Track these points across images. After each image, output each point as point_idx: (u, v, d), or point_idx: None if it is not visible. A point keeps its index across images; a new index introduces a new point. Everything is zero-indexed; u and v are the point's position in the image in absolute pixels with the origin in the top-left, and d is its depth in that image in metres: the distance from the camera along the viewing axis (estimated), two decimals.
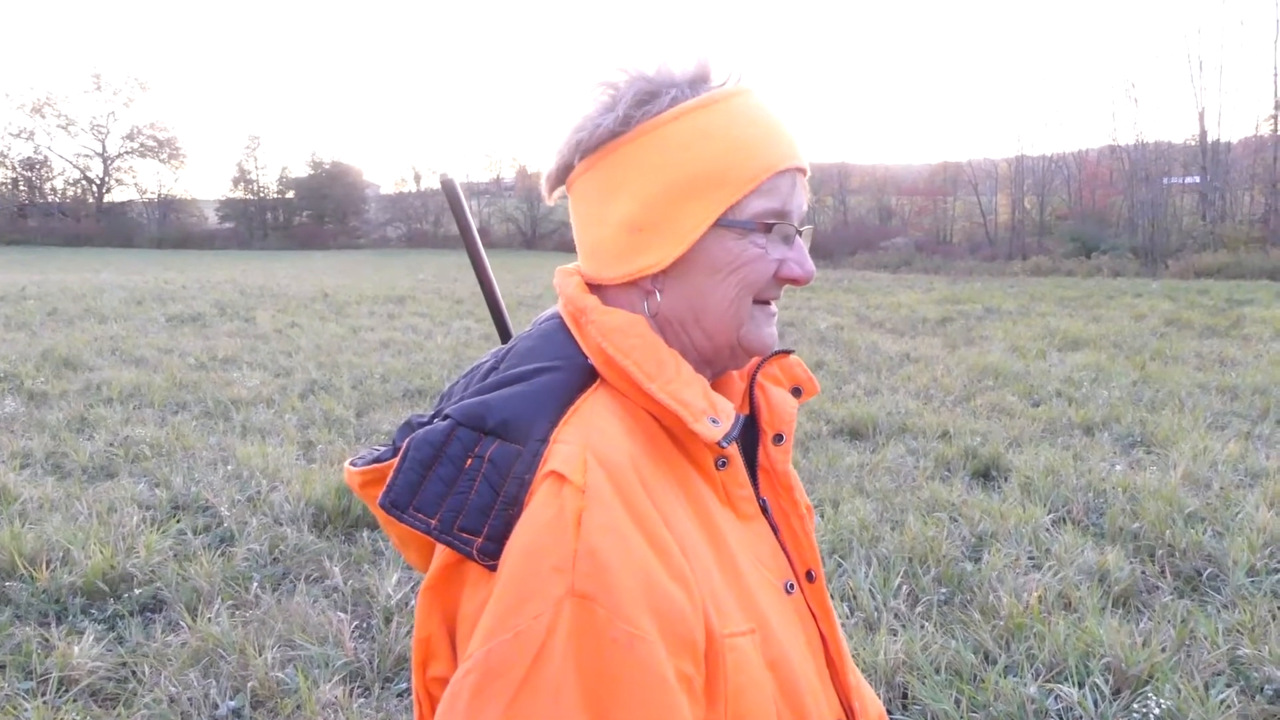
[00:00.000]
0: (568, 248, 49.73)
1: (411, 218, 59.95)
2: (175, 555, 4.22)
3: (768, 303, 0.95)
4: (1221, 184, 32.25)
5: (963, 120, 73.29)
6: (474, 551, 0.79)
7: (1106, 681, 3.16)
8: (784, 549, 0.99)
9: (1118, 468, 5.72)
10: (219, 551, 4.29)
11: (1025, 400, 7.97)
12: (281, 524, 4.65)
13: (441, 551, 0.83)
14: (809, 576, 1.01)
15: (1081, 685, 3.15)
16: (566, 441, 0.82)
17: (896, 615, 3.67)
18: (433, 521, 0.80)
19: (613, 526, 0.76)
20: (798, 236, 0.93)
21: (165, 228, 57.45)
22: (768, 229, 0.91)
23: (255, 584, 3.95)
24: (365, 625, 3.67)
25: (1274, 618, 3.59)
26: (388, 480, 0.83)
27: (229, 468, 5.63)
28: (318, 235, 58.00)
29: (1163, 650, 3.33)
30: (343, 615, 3.64)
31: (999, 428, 6.89)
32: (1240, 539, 4.31)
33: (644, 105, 0.91)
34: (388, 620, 3.64)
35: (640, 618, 0.73)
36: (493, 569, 0.79)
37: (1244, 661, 3.32)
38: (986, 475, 5.75)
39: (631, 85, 0.92)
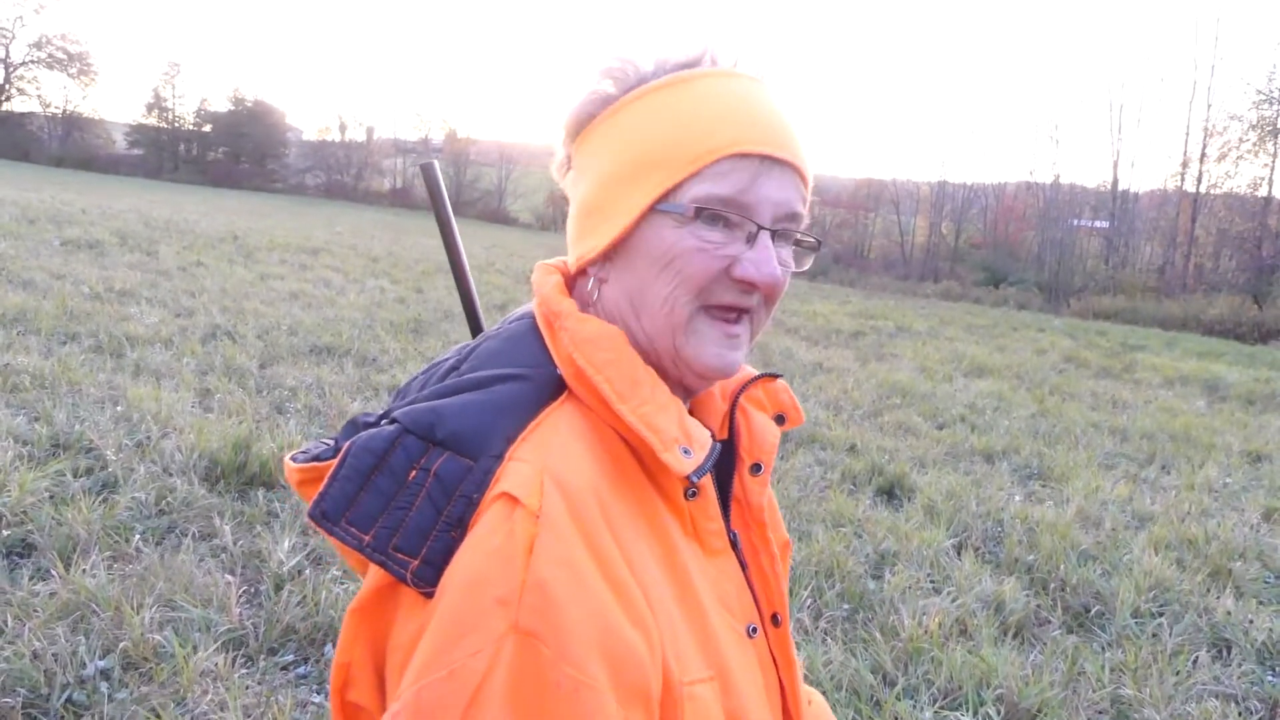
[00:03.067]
0: (490, 218, 49.38)
1: (332, 168, 58.37)
2: (51, 498, 3.95)
3: (728, 317, 0.85)
4: (1126, 232, 33.72)
5: (890, 139, 74.87)
6: (409, 575, 0.71)
7: (999, 713, 3.21)
8: (751, 588, 0.92)
9: (1016, 498, 5.87)
10: (100, 498, 4.03)
11: (930, 422, 8.13)
12: (171, 474, 4.41)
13: (375, 571, 0.75)
14: (774, 620, 0.94)
15: (975, 714, 3.19)
16: (523, 460, 0.74)
17: (801, 629, 3.67)
18: (366, 538, 0.72)
19: (567, 559, 0.69)
20: (764, 234, 0.82)
21: (67, 146, 54.66)
22: (707, 217, 0.81)
23: (137, 536, 3.72)
24: (254, 590, 3.49)
25: (1155, 660, 3.71)
26: (321, 487, 0.75)
27: (118, 409, 5.32)
28: (232, 174, 55.94)
29: (1052, 686, 3.40)
30: (230, 578, 3.46)
31: (905, 446, 7.01)
32: (1128, 580, 4.45)
33: (630, 88, 0.85)
34: (278, 587, 3.47)
35: (589, 663, 0.66)
36: (429, 596, 0.71)
37: (1125, 701, 3.41)
38: (891, 493, 5.82)
39: (617, 67, 0.86)
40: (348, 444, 0.77)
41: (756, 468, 0.94)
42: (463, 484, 0.73)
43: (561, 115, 0.89)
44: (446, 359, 0.89)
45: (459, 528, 0.72)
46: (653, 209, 0.82)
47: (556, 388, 0.82)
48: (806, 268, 0.91)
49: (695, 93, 0.83)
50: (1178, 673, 3.61)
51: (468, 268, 1.11)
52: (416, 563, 0.71)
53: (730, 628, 0.85)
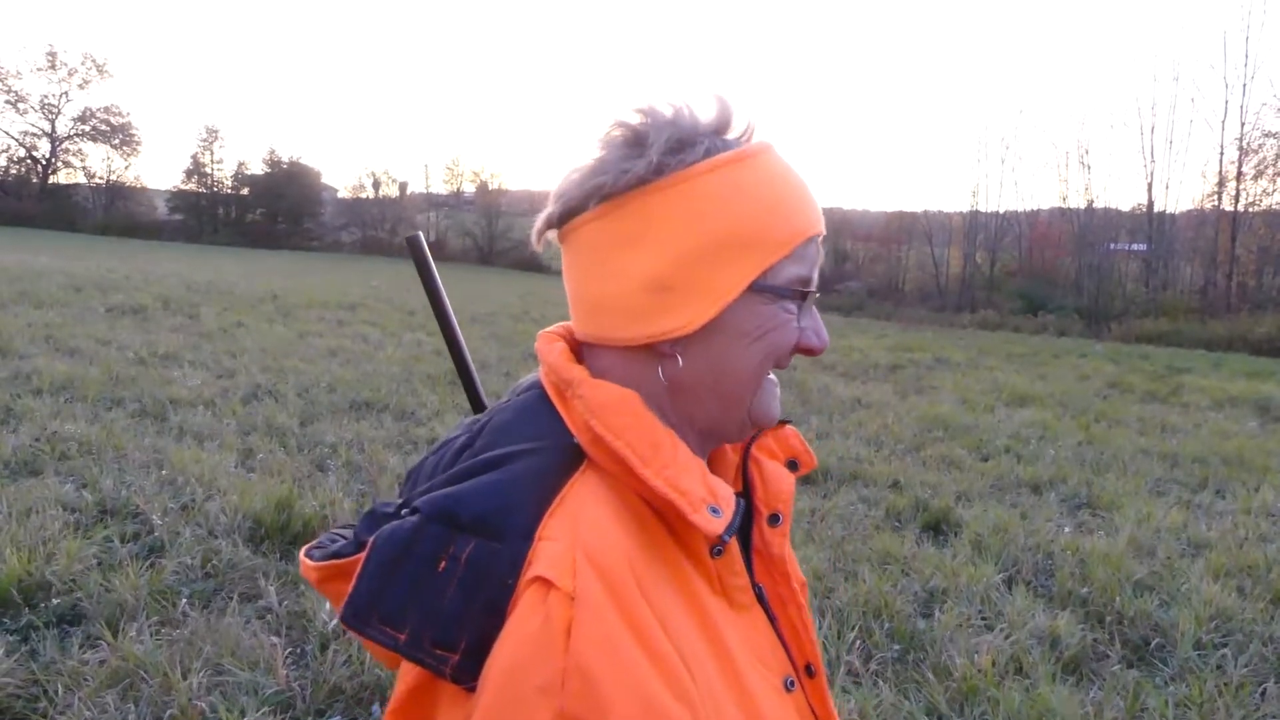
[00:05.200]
0: (523, 265, 49.82)
1: (367, 224, 59.33)
2: (99, 564, 4.00)
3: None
4: (1165, 253, 33.23)
5: (920, 171, 74.75)
6: (449, 671, 0.70)
7: None
8: (782, 640, 0.90)
9: (1066, 529, 5.74)
10: (147, 563, 4.07)
11: (974, 454, 8.00)
12: (216, 536, 4.44)
13: (409, 668, 0.73)
14: (808, 671, 0.92)
15: None
16: (553, 539, 0.72)
17: (850, 671, 3.60)
18: (401, 636, 0.71)
19: (606, 639, 0.67)
20: (812, 304, 0.90)
21: (111, 214, 56.26)
22: (802, 297, 0.86)
23: (184, 600, 3.74)
24: (299, 651, 3.49)
25: (1220, 694, 3.59)
26: (350, 588, 0.73)
27: (162, 472, 5.39)
28: (270, 235, 57.16)
29: None
30: (276, 639, 3.46)
31: (949, 480, 6.90)
32: (1187, 611, 4.32)
33: (678, 153, 0.82)
34: (324, 647, 3.47)
35: None
36: (472, 690, 0.69)
37: None
38: (937, 529, 5.72)
39: (660, 130, 0.82)
40: (372, 540, 0.75)
41: (774, 518, 0.93)
42: (494, 568, 0.71)
43: (596, 173, 0.83)
44: (456, 437, 0.88)
45: (496, 614, 0.70)
46: (748, 288, 0.84)
47: (573, 458, 0.80)
48: None
49: (766, 171, 0.85)
50: (1244, 705, 3.49)
51: (463, 341, 1.09)
52: (456, 657, 0.69)
53: (767, 683, 0.83)
